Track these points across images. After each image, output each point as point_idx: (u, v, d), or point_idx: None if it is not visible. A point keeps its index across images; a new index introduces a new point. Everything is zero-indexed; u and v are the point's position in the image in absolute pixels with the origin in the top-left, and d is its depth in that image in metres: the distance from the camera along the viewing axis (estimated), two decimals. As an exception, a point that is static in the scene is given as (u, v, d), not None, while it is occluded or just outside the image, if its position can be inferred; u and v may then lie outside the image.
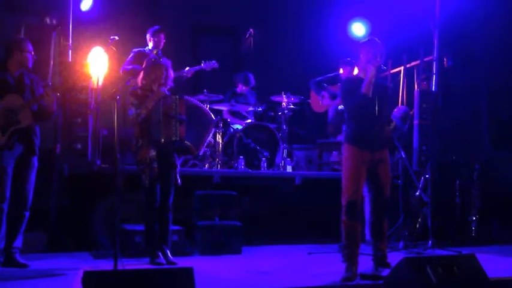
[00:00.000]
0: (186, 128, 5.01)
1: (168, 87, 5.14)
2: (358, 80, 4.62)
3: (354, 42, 4.99)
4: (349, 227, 4.49)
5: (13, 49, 4.87)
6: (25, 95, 4.85)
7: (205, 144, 5.38)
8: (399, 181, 6.08)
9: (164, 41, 6.76)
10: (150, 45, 6.71)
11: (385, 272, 4.37)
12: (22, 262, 4.86)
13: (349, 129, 4.64)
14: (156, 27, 6.78)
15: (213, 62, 6.97)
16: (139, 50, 6.68)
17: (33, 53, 4.98)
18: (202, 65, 6.92)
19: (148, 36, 6.73)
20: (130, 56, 6.63)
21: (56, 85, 5.30)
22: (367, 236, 5.57)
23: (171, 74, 5.21)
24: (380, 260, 4.54)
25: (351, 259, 4.47)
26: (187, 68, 6.80)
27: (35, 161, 4.98)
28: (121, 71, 6.53)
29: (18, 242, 4.92)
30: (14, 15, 6.81)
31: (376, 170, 4.56)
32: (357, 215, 4.52)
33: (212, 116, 5.49)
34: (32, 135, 4.91)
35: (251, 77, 7.43)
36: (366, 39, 4.77)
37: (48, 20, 5.95)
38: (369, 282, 4.40)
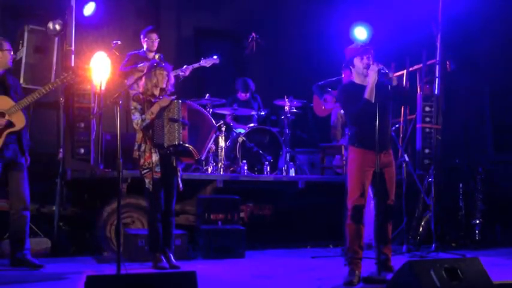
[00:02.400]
0: (189, 132, 5.02)
1: (169, 92, 5.14)
2: (354, 85, 4.64)
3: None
4: (354, 231, 4.47)
5: None
6: (10, 96, 4.86)
7: (207, 149, 5.37)
8: (403, 184, 6.06)
9: (158, 40, 6.66)
10: (145, 46, 6.65)
11: (389, 276, 4.36)
12: (35, 262, 4.91)
13: (352, 132, 4.65)
14: (149, 27, 6.70)
15: (213, 57, 6.71)
16: (134, 53, 6.63)
17: (12, 52, 5.00)
18: (201, 62, 6.69)
19: (141, 37, 6.68)
20: (125, 59, 6.56)
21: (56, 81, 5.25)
22: (366, 239, 5.54)
23: (172, 79, 5.21)
24: (383, 264, 4.53)
25: (354, 263, 4.45)
26: (184, 66, 6.59)
27: (23, 161, 4.98)
28: (118, 71, 6.46)
29: (27, 243, 4.95)
30: (17, 20, 6.84)
31: (383, 174, 4.54)
32: (362, 219, 4.51)
33: (213, 121, 5.47)
34: (21, 137, 4.93)
35: (250, 82, 7.39)
36: (358, 45, 4.77)
37: (51, 25, 5.96)
38: (372, 286, 4.39)
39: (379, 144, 4.49)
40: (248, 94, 7.40)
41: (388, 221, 4.62)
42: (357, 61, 4.62)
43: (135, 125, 4.98)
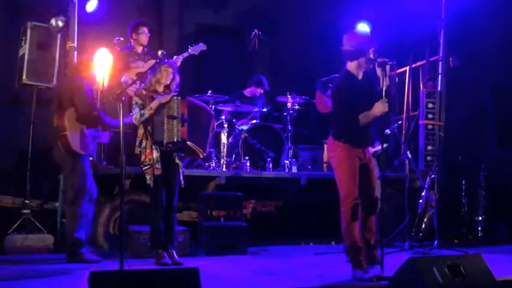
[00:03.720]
0: (189, 128, 4.99)
1: (174, 91, 5.11)
2: (351, 76, 4.50)
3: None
4: (354, 229, 4.41)
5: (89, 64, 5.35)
6: None
7: (210, 140, 5.33)
8: (405, 181, 6.06)
9: (148, 34, 6.53)
10: (133, 40, 6.50)
11: (375, 269, 4.36)
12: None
13: (338, 127, 4.52)
14: (137, 20, 6.58)
15: (200, 44, 6.58)
16: (123, 49, 6.45)
17: None
18: (189, 50, 6.54)
19: (129, 31, 6.51)
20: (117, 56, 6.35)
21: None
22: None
23: (177, 78, 5.17)
24: (372, 257, 4.49)
25: (360, 259, 4.40)
26: (174, 57, 6.44)
27: None
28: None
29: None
30: (20, 17, 6.84)
31: (368, 168, 4.49)
32: (358, 215, 4.48)
33: (211, 110, 5.41)
34: None
35: (264, 80, 7.40)
36: (366, 34, 4.58)
37: (53, 22, 5.96)
38: (374, 283, 4.36)
39: (365, 139, 4.45)
40: (261, 91, 7.41)
41: (373, 215, 4.53)
42: (370, 53, 4.47)
43: (134, 120, 4.99)
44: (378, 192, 4.57)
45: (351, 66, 4.54)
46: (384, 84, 4.41)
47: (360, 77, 4.55)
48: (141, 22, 6.58)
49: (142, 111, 4.93)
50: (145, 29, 6.52)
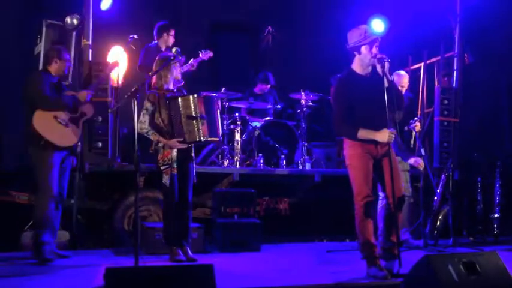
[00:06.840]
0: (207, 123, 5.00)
1: (176, 88, 5.13)
2: (353, 75, 4.44)
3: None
4: (368, 226, 4.39)
5: (54, 57, 5.13)
6: None
7: (220, 123, 5.32)
8: (420, 178, 6.01)
9: (173, 37, 6.61)
10: (160, 40, 6.59)
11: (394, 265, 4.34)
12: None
13: (340, 125, 4.46)
14: (163, 22, 6.66)
15: (208, 51, 6.67)
16: (150, 46, 6.57)
17: (70, 62, 5.31)
18: (200, 55, 6.64)
19: (157, 31, 6.61)
20: (142, 53, 6.53)
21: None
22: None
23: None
24: (389, 252, 4.47)
25: (375, 257, 4.38)
26: (191, 60, 6.55)
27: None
28: (138, 66, 6.46)
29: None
30: (35, 15, 6.89)
31: (381, 165, 4.43)
32: (371, 212, 4.46)
33: (211, 94, 5.38)
34: None
35: (270, 76, 7.40)
36: (364, 30, 4.43)
37: (68, 20, 6.00)
38: (388, 281, 4.34)
39: None
40: (268, 87, 7.41)
41: (398, 210, 4.46)
42: (364, 49, 4.41)
43: (138, 129, 4.74)
44: (402, 189, 4.51)
45: (354, 63, 4.51)
46: (386, 81, 4.34)
47: (366, 74, 4.48)
48: (170, 24, 6.65)
49: (148, 132, 4.89)
50: (171, 32, 6.60)
